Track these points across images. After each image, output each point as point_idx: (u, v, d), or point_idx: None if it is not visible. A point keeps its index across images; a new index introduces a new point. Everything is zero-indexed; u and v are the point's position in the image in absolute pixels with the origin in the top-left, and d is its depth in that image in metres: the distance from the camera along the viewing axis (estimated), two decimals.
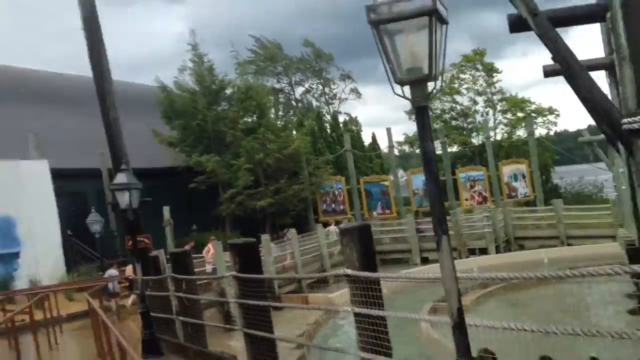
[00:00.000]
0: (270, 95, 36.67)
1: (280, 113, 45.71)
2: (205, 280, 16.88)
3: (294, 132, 33.81)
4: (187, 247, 17.67)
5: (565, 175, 43.05)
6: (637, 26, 4.19)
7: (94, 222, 23.04)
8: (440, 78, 3.28)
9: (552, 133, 44.52)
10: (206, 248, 21.68)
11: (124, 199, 10.21)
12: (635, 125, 4.34)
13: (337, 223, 28.62)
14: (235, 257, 7.24)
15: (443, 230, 3.38)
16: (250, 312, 6.82)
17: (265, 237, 21.51)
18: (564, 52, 6.43)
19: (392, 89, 3.25)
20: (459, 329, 3.40)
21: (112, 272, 20.13)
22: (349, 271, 4.97)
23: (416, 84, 3.21)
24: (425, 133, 3.31)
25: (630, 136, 4.45)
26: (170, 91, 30.11)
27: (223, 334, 12.76)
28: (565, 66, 6.41)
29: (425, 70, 3.17)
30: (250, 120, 31.67)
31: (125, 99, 22.59)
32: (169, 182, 27.15)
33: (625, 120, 4.44)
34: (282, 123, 36.00)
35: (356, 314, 4.92)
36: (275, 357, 6.75)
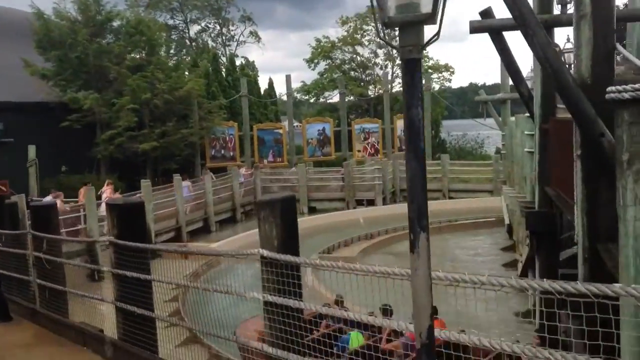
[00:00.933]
0: (163, 31, 34.21)
1: (172, 52, 43.09)
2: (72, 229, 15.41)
3: (187, 73, 31.92)
4: (51, 198, 15.89)
5: (449, 129, 44.78)
6: None
7: None
8: (440, 22, 2.31)
9: (442, 89, 45.77)
10: (81, 192, 19.95)
11: None
12: (626, 95, 3.77)
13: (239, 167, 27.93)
14: (114, 220, 6.06)
15: (422, 227, 2.49)
16: (127, 285, 5.82)
17: (145, 183, 20.20)
18: (521, 7, 5.89)
19: (377, 31, 2.38)
20: (427, 354, 2.59)
21: None
22: (265, 252, 4.13)
23: (409, 27, 2.32)
24: (414, 94, 2.40)
25: (615, 107, 3.92)
26: (47, 19, 27.07)
27: (93, 283, 11.72)
28: (522, 21, 5.89)
29: (424, 8, 2.25)
30: (138, 57, 29.38)
31: None
32: (39, 118, 24.73)
33: (611, 89, 3.88)
34: (174, 62, 33.78)
35: (267, 303, 4.15)
36: (154, 339, 5.83)
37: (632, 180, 3.81)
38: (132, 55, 28.67)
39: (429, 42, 2.38)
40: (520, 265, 13.95)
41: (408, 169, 2.54)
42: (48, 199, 18.98)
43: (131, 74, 26.64)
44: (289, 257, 4.00)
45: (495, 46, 10.44)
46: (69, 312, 8.15)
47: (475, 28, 10.10)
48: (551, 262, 9.77)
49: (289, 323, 3.99)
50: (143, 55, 29.32)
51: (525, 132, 12.78)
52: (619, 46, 5.84)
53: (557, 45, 10.02)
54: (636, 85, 3.69)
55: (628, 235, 3.88)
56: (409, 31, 2.36)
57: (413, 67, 2.48)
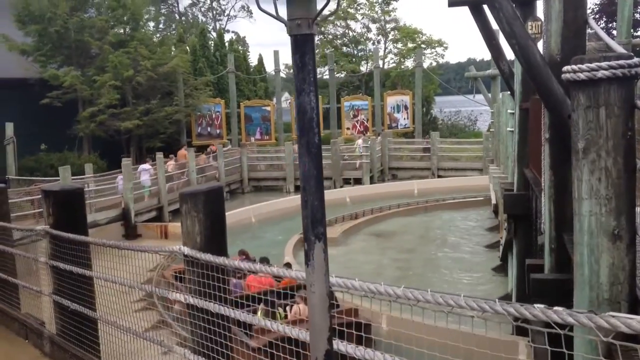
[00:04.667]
0: (148, 5, 33.34)
1: (162, 26, 42.22)
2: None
3: (173, 49, 31.20)
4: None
5: (443, 105, 44.21)
6: None
7: None
8: None
9: (435, 65, 45.06)
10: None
11: None
12: (581, 76, 3.32)
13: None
14: (49, 208, 5.65)
15: (318, 235, 2.12)
16: (65, 278, 5.43)
17: (126, 162, 19.72)
18: None
19: (257, 2, 2.00)
20: None
21: None
22: (187, 250, 3.74)
23: None
24: (305, 78, 1.97)
25: (571, 88, 3.49)
26: None
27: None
28: None
29: None
30: (121, 32, 28.66)
31: None
32: (18, 95, 24.14)
33: (567, 68, 3.45)
34: (159, 38, 33.01)
35: (191, 307, 3.74)
36: (94, 338, 5.41)
37: (587, 170, 3.40)
38: (115, 30, 27.95)
39: (322, 14, 1.96)
40: (501, 248, 13.64)
41: (300, 166, 2.14)
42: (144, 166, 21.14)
43: (113, 50, 26.00)
44: (209, 257, 3.60)
45: (475, 20, 9.95)
46: (23, 303, 7.78)
47: (452, 1, 9.61)
48: (528, 246, 9.43)
49: (211, 329, 3.61)
50: (126, 30, 28.62)
51: (508, 111, 12.36)
52: (591, 21, 5.38)
53: (539, 19, 9.49)
54: (593, 65, 3.26)
55: (583, 231, 3.49)
56: (298, 1, 1.96)
57: (303, 45, 2.05)
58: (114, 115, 25.09)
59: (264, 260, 10.49)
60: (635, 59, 3.29)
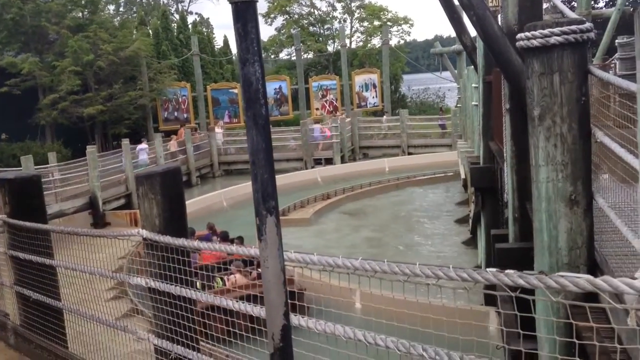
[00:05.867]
0: None
1: (122, 9, 41.20)
2: None
3: (135, 32, 30.50)
4: None
5: (411, 83, 44.34)
6: None
7: None
8: None
9: (402, 43, 45.06)
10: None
11: None
12: (535, 42, 3.30)
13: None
14: (5, 197, 5.45)
15: (269, 209, 2.02)
16: (26, 268, 5.25)
17: (90, 149, 19.31)
18: None
19: None
20: (282, 358, 2.11)
21: None
22: (145, 233, 3.65)
23: None
24: (249, 48, 1.88)
25: (525, 55, 3.47)
26: None
27: None
28: None
29: None
30: (80, 15, 27.90)
31: None
32: None
33: (520, 36, 3.41)
34: (120, 21, 32.23)
35: (153, 291, 3.67)
36: (62, 327, 5.27)
37: (543, 137, 3.43)
38: (73, 14, 27.21)
39: None
40: (471, 221, 13.82)
41: (248, 139, 2.08)
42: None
43: (72, 35, 25.30)
44: (168, 239, 3.53)
45: None
46: None
47: None
48: (495, 218, 9.56)
49: (176, 313, 3.56)
50: (85, 14, 27.87)
51: (473, 85, 12.43)
52: None
53: None
54: (546, 31, 3.26)
55: (541, 198, 3.53)
56: None
57: (245, 12, 1.98)
58: (76, 102, 24.50)
59: (240, 239, 11.84)
60: (587, 24, 3.30)
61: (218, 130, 27.90)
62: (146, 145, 22.70)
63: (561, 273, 1.75)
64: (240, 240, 11.48)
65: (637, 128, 1.71)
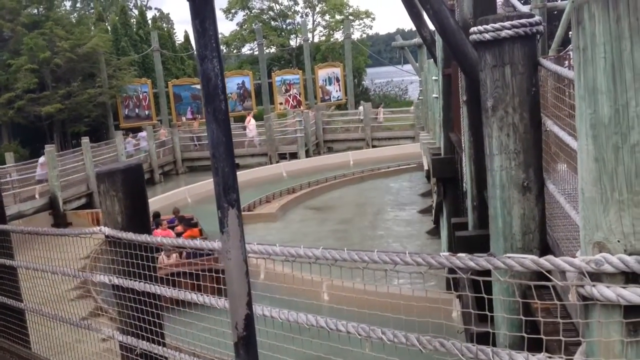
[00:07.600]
0: None
1: (79, 5, 40.26)
2: None
3: (92, 28, 29.87)
4: None
5: (374, 76, 44.67)
6: None
7: None
8: None
9: (365, 36, 45.30)
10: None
11: None
12: (487, 36, 3.39)
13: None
14: None
15: (230, 202, 1.92)
16: None
17: (49, 148, 18.88)
18: None
19: None
20: (245, 347, 2.04)
21: None
22: (108, 230, 3.63)
23: None
24: (207, 44, 1.80)
25: (478, 49, 3.55)
26: None
27: None
28: None
29: None
30: (35, 12, 27.17)
31: None
32: None
33: (473, 30, 3.49)
34: (77, 18, 31.52)
35: (116, 287, 3.66)
36: (24, 327, 5.16)
37: (496, 127, 3.56)
38: (28, 10, 26.50)
39: None
40: (434, 212, 14.07)
41: (209, 134, 2.11)
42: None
43: (28, 32, 24.65)
44: (131, 235, 3.53)
45: None
46: None
47: None
48: (456, 207, 9.77)
49: (140, 309, 3.57)
50: (40, 10, 27.16)
51: (433, 78, 12.64)
52: None
53: None
54: (497, 25, 3.38)
55: (495, 185, 3.67)
56: None
57: (203, 9, 2.00)
58: (33, 101, 23.90)
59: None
60: (536, 17, 3.44)
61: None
62: (145, 133, 24.82)
63: (508, 254, 1.86)
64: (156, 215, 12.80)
65: (576, 112, 1.83)
